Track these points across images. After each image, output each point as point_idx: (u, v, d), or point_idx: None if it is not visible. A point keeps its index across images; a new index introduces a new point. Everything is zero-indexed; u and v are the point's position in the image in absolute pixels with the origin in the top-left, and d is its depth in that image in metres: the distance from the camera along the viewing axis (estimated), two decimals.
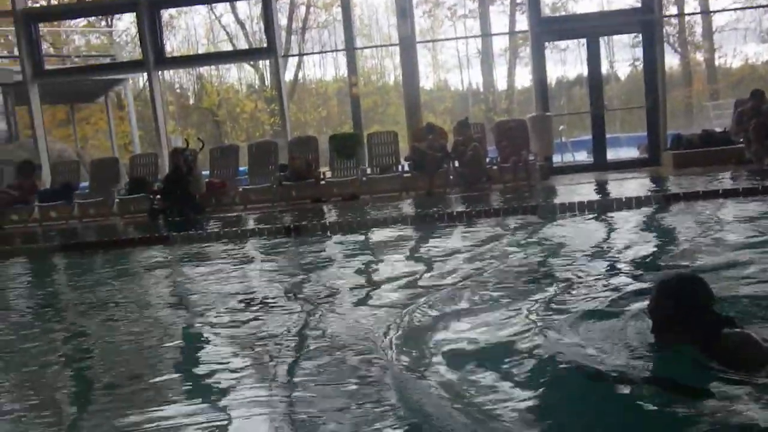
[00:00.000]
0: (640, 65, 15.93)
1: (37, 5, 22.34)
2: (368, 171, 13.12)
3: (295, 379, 3.36)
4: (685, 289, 2.85)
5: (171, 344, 4.29)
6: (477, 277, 5.34)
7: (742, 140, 11.78)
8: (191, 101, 30.07)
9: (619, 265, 5.41)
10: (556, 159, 14.31)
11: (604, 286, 4.58)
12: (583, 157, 15.27)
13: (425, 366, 3.28)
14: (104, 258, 8.51)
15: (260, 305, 5.11)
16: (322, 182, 12.89)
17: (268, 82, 27.75)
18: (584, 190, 10.63)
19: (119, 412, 3.11)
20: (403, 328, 3.94)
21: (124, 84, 20.46)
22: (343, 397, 3.03)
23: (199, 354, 4.06)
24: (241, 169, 13.63)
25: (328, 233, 8.74)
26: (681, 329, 2.80)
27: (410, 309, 4.36)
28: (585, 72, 14.75)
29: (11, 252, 9.42)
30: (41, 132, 14.86)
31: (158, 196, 12.27)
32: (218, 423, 2.93)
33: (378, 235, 8.33)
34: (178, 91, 29.50)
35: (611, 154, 14.25)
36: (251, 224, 10.14)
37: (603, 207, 8.58)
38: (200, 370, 3.72)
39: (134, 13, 14.91)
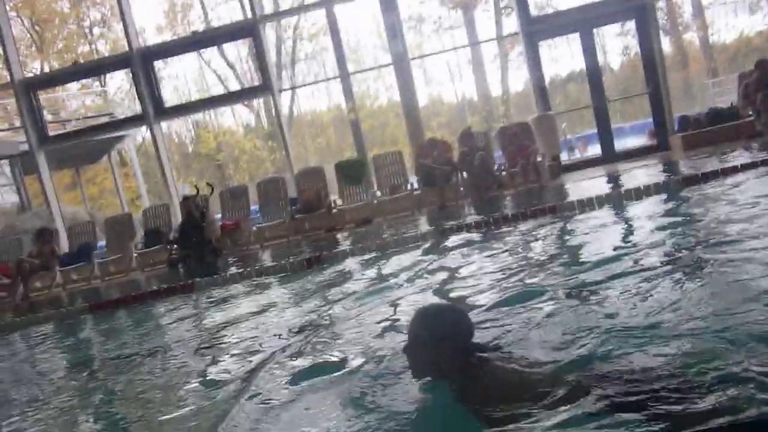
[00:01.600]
0: (633, 53, 16.03)
1: (32, 74, 22.63)
2: (378, 193, 13.18)
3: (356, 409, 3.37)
4: (442, 322, 2.71)
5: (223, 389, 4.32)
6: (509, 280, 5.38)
7: (750, 113, 11.76)
8: (190, 149, 30.35)
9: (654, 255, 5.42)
10: (563, 157, 14.36)
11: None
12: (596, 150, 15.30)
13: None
14: (133, 313, 8.57)
15: (302, 337, 5.15)
16: (334, 211, 12.96)
17: (264, 119, 28.01)
18: (597, 184, 10.66)
19: None
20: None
21: (125, 141, 20.69)
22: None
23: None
24: (252, 208, 13.72)
25: (351, 259, 8.79)
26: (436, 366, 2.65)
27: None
28: (577, 67, 14.87)
29: (40, 319, 9.48)
30: (53, 197, 15.03)
31: (175, 246, 12.36)
32: None
33: (401, 254, 8.37)
34: (176, 140, 29.80)
35: (618, 145, 14.29)
36: (270, 260, 10.21)
37: (619, 198, 8.60)
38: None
39: (128, 69, 15.13)
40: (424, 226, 10.70)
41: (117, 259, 12.94)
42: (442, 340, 2.64)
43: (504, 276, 5.64)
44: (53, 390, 5.37)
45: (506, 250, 7.09)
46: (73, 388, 5.33)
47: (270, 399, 3.79)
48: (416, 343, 2.70)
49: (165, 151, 15.28)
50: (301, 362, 4.44)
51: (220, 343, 5.76)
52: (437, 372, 2.68)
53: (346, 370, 3.85)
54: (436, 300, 5.28)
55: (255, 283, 8.70)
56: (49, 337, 8.41)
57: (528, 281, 5.25)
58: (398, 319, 4.98)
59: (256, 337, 5.56)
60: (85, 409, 4.53)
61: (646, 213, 7.58)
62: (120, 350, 6.39)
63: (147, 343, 6.48)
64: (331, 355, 4.32)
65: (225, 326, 6.52)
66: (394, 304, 5.86)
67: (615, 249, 5.82)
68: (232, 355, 5.16)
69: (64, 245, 13.93)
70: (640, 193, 8.56)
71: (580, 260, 5.82)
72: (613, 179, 10.95)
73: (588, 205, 8.63)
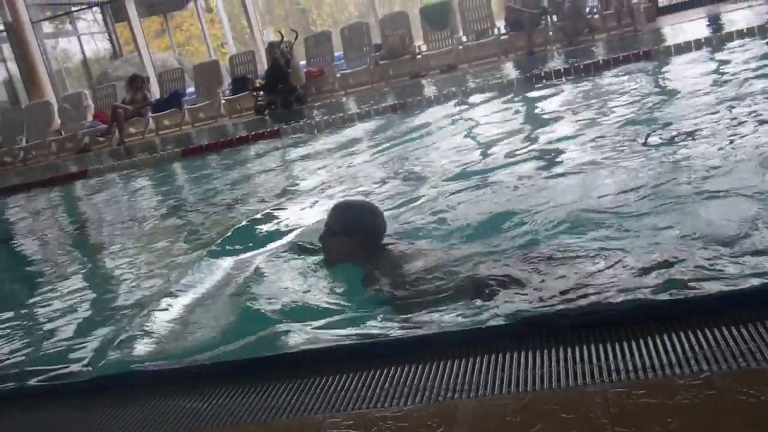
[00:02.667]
0: None
1: None
2: (463, 39, 12.75)
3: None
4: (354, 216, 2.99)
5: None
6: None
7: None
8: None
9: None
10: None
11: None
12: None
13: None
14: (222, 158, 8.86)
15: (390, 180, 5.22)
16: (418, 57, 12.69)
17: None
18: (696, 27, 9.95)
19: None
20: None
21: None
22: None
23: None
24: (336, 54, 13.57)
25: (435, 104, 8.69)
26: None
27: None
28: None
29: (136, 163, 9.95)
30: (143, 44, 15.27)
31: (261, 92, 12.49)
32: None
33: (485, 102, 8.22)
34: None
35: None
36: (355, 107, 10.23)
37: (720, 42, 8.03)
38: None
39: None
40: (510, 72, 10.38)
41: (206, 105, 13.22)
42: (353, 233, 2.91)
43: (586, 125, 5.48)
44: (149, 230, 5.72)
45: (594, 100, 6.84)
46: (165, 228, 5.66)
47: None
48: (329, 233, 2.97)
49: None
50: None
51: (303, 189, 5.93)
52: (348, 260, 2.93)
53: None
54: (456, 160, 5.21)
55: (339, 129, 8.78)
56: (144, 181, 8.85)
57: (613, 132, 5.07)
58: (481, 167, 4.97)
59: (338, 182, 5.68)
60: (176, 248, 4.81)
61: (748, 58, 7.08)
62: (210, 194, 6.69)
63: (235, 188, 6.74)
64: (415, 203, 4.37)
65: (308, 171, 6.68)
66: (476, 151, 5.83)
67: (711, 97, 5.51)
68: (315, 200, 5.31)
69: (155, 92, 14.29)
70: (743, 36, 7.96)
71: (675, 110, 5.55)
72: (715, 22, 10.18)
73: (685, 49, 8.12)
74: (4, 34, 16.32)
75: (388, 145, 7.11)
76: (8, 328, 3.65)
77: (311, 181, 6.10)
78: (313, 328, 2.54)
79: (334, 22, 25.44)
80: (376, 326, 2.50)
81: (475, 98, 8.55)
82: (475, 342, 1.97)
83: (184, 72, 14.52)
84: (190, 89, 14.15)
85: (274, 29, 21.17)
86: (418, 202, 4.21)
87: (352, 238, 2.91)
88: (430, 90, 10.64)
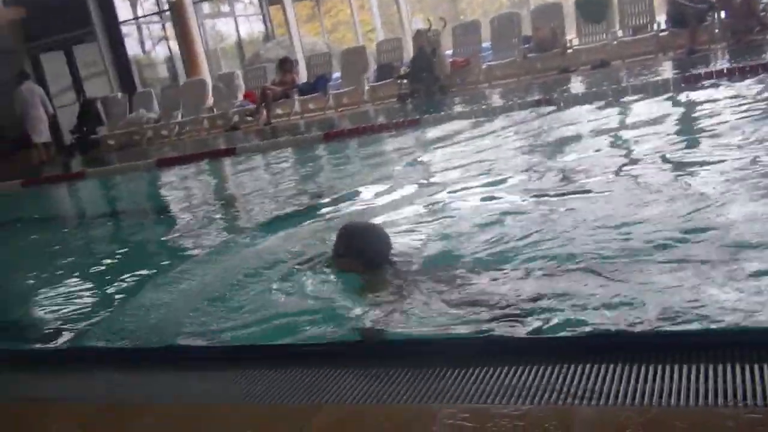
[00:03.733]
0: None
1: None
2: (619, 33, 12.13)
3: None
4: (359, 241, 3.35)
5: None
6: None
7: None
8: None
9: None
10: None
11: None
12: None
13: None
14: (363, 143, 8.92)
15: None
16: (569, 51, 12.22)
17: None
18: None
19: None
20: None
21: None
22: None
23: None
24: (483, 45, 13.32)
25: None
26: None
27: None
28: None
29: (280, 143, 10.24)
30: (294, 28, 15.69)
31: (405, 80, 12.49)
32: None
33: (637, 102, 7.76)
34: None
35: None
36: (499, 99, 10.00)
37: None
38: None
39: None
40: (668, 71, 9.77)
41: (350, 90, 13.39)
42: (356, 254, 3.29)
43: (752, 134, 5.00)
44: (291, 207, 5.83)
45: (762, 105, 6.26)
46: (307, 205, 5.74)
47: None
48: (336, 254, 3.38)
49: None
50: (511, 198, 4.39)
51: (438, 179, 5.83)
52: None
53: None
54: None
55: (481, 121, 8.59)
56: (287, 161, 9.08)
57: None
58: (634, 171, 4.67)
59: (475, 175, 5.53)
60: (314, 227, 4.84)
61: None
62: (348, 178, 6.74)
63: (372, 173, 6.76)
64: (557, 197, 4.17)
65: (446, 162, 6.57)
66: (619, 154, 5.51)
67: None
68: (450, 190, 5.19)
69: (302, 75, 14.64)
70: None
71: None
72: None
73: None
74: (168, 13, 17.25)
75: (528, 140, 6.90)
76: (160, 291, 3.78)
77: (447, 172, 5.99)
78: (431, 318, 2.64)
79: (483, 12, 25.08)
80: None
81: (626, 98, 8.08)
82: (599, 350, 1.92)
83: (331, 57, 14.77)
84: (336, 74, 14.37)
85: (423, 17, 21.17)
86: (554, 199, 4.04)
87: (355, 259, 3.29)
88: (578, 86, 10.23)
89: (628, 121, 7.21)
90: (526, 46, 12.29)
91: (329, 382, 2.02)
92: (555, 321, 2.47)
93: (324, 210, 5.43)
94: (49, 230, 7.05)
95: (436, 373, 1.93)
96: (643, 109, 7.45)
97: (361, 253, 3.28)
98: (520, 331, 2.45)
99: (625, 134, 6.39)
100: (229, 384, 2.19)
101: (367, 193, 5.76)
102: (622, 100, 8.06)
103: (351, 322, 2.79)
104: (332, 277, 3.31)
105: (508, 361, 1.91)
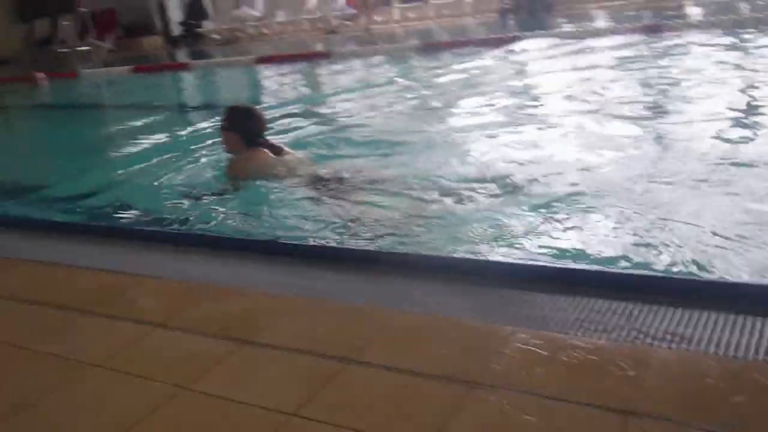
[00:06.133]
0: None
1: None
2: None
3: None
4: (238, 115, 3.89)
5: None
6: None
7: None
8: None
9: None
10: None
11: None
12: None
13: None
14: (457, 56, 8.82)
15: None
16: None
17: None
18: None
19: None
20: None
21: None
22: None
23: None
24: None
25: None
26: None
27: None
28: None
29: (377, 50, 10.27)
30: None
31: None
32: None
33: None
34: None
35: None
36: (605, 20, 9.63)
37: None
38: None
39: None
40: None
41: (451, 2, 13.15)
42: (235, 128, 3.83)
43: None
44: (386, 111, 5.92)
45: None
46: (401, 111, 5.81)
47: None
48: (222, 127, 3.90)
49: None
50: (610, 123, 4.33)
51: (529, 100, 5.77)
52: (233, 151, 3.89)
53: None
54: None
55: (584, 43, 8.33)
56: (381, 68, 9.11)
57: None
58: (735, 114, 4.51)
59: (570, 96, 5.46)
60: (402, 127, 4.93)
61: None
62: (438, 89, 6.75)
63: (465, 87, 6.74)
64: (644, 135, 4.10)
65: (540, 81, 6.49)
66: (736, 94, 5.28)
67: None
68: (545, 110, 5.16)
69: None
70: None
71: None
72: None
73: None
74: None
75: (631, 66, 6.65)
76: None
77: (541, 91, 5.92)
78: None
79: None
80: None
81: (751, 31, 7.60)
82: (687, 293, 1.84)
83: None
84: None
85: None
86: (648, 136, 3.95)
87: (235, 132, 3.82)
88: (696, 12, 9.68)
89: (746, 56, 6.82)
90: None
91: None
92: (643, 259, 2.43)
93: (411, 120, 5.50)
94: (150, 115, 7.41)
95: (514, 297, 1.93)
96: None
97: (242, 128, 3.82)
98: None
99: (740, 72, 6.02)
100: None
101: (453, 108, 5.78)
102: (743, 31, 7.59)
103: None
104: None
105: (586, 293, 1.88)
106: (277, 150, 3.84)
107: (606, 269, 2.28)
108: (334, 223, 3.14)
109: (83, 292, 2.58)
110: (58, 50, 15.20)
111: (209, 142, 4.95)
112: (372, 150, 4.44)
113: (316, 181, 3.60)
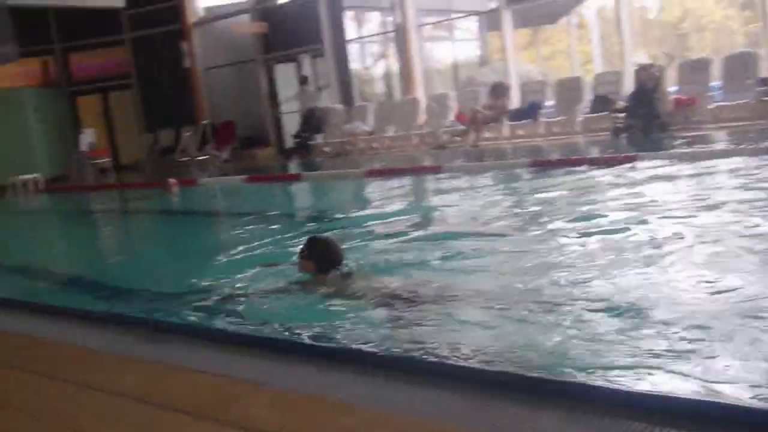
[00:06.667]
0: None
1: None
2: None
3: None
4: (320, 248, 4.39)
5: None
6: None
7: None
8: (652, 15, 28.60)
9: None
10: None
11: None
12: None
13: None
14: (569, 175, 8.70)
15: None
16: None
17: None
18: None
19: None
20: None
21: (586, 2, 20.40)
22: None
23: None
24: (713, 84, 12.50)
25: None
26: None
27: None
28: None
29: (486, 167, 10.29)
30: (511, 55, 15.73)
31: (621, 114, 12.04)
32: None
33: None
34: (638, 5, 28.28)
35: None
36: (725, 143, 9.32)
37: None
38: None
39: None
40: None
41: (562, 120, 13.16)
42: (312, 257, 4.34)
43: None
44: (493, 226, 5.82)
45: None
46: (507, 225, 5.70)
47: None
48: (299, 255, 4.42)
49: (627, 16, 14.65)
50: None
51: (655, 219, 5.53)
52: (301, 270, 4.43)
53: None
54: None
55: (703, 165, 8.05)
56: (491, 183, 9.08)
57: None
58: None
59: (691, 223, 5.19)
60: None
61: None
62: (550, 206, 6.62)
63: (578, 206, 6.57)
64: None
65: (659, 204, 6.23)
66: None
67: None
68: (663, 234, 4.91)
69: (514, 101, 14.62)
70: None
71: None
72: None
73: None
74: (391, 34, 18.02)
75: (757, 193, 6.29)
76: None
77: (660, 215, 5.67)
78: None
79: (714, 49, 23.55)
80: None
81: None
82: None
83: (545, 85, 14.62)
84: (549, 103, 14.20)
85: (647, 51, 20.34)
86: None
87: (311, 261, 4.33)
88: None
89: None
90: (763, 88, 11.36)
91: None
92: None
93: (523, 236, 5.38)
94: (263, 223, 7.64)
95: None
96: None
97: (318, 258, 4.31)
98: None
99: None
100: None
101: (567, 225, 5.62)
102: None
103: None
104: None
105: None
106: (346, 276, 4.29)
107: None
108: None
109: (198, 397, 2.55)
110: (179, 159, 16.14)
111: None
112: (472, 262, 4.39)
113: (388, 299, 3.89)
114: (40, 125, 18.40)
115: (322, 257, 4.29)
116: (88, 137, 16.59)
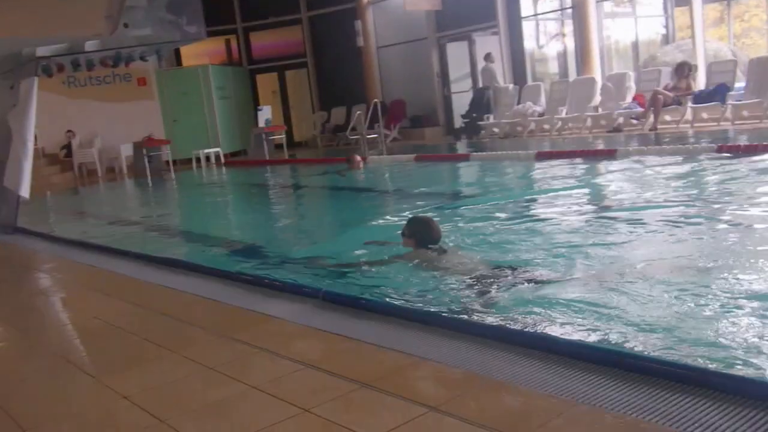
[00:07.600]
0: None
1: None
2: None
3: None
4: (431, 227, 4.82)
5: None
6: None
7: None
8: None
9: None
10: None
11: None
12: None
13: None
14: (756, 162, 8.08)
15: None
16: None
17: None
18: None
19: None
20: None
21: None
22: None
23: None
24: None
25: None
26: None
27: None
28: None
29: (665, 150, 9.77)
30: (699, 32, 14.76)
31: None
32: None
33: None
34: None
35: None
36: None
37: None
38: None
39: None
40: None
41: (754, 103, 12.16)
42: (411, 235, 4.73)
43: None
44: (668, 214, 5.56)
45: None
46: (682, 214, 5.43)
47: None
48: (402, 233, 4.79)
49: None
50: None
51: None
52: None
53: None
54: None
55: None
56: (668, 168, 8.60)
57: None
58: None
59: None
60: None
61: None
62: (728, 195, 6.24)
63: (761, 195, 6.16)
64: None
65: None
66: None
67: None
68: None
69: (700, 82, 13.70)
70: None
71: None
72: None
73: None
74: (568, 10, 17.45)
75: None
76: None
77: None
78: None
79: None
80: None
81: None
82: None
83: (736, 65, 13.56)
84: (739, 84, 13.16)
85: None
86: None
87: (411, 239, 4.73)
88: None
89: None
90: None
91: None
92: None
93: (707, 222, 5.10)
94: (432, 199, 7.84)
95: None
96: None
97: (416, 236, 4.69)
98: None
99: None
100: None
101: (743, 217, 5.27)
102: None
103: None
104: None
105: None
106: (442, 251, 4.60)
107: None
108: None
109: (363, 366, 2.73)
110: (350, 136, 16.69)
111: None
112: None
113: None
114: (222, 102, 19.73)
115: (420, 235, 4.67)
116: (265, 114, 17.54)
